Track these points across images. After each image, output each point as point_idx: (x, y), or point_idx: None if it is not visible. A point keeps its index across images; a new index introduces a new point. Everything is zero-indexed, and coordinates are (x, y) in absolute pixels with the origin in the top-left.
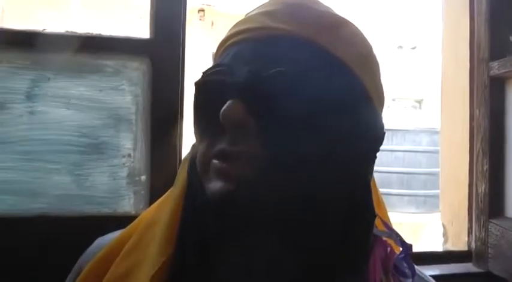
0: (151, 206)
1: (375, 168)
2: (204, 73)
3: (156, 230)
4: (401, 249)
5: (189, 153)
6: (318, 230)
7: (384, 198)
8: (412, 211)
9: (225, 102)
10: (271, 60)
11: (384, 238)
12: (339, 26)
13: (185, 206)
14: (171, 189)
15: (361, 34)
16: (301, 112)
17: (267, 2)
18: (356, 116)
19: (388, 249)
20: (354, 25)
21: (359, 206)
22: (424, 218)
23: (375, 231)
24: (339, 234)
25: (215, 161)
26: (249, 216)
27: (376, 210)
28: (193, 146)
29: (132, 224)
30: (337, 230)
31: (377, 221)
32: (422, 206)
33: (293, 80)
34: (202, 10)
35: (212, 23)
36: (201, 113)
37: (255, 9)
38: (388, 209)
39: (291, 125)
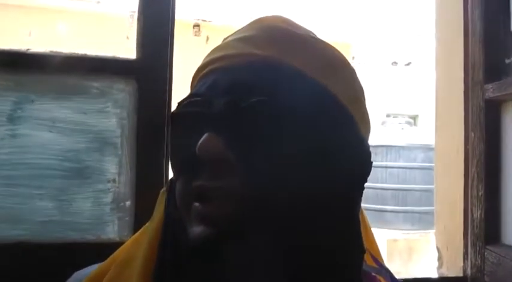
0: (127, 242)
1: (370, 184)
2: (179, 104)
3: (132, 269)
4: None
5: (166, 187)
6: (305, 267)
7: (379, 215)
8: (407, 228)
9: (202, 135)
10: (249, 89)
11: (373, 274)
12: (319, 51)
13: (163, 245)
14: (147, 224)
15: (342, 56)
16: (284, 144)
17: (243, 27)
18: (343, 147)
19: None
20: (337, 50)
21: (347, 240)
22: (419, 234)
23: (363, 266)
24: (328, 271)
25: (196, 204)
26: (233, 255)
27: (365, 244)
28: (171, 180)
29: (108, 259)
30: (326, 266)
31: (366, 256)
32: (418, 223)
33: (274, 109)
34: (198, 25)
35: (207, 38)
36: (177, 147)
37: (232, 35)
38: (383, 226)
39: (272, 158)
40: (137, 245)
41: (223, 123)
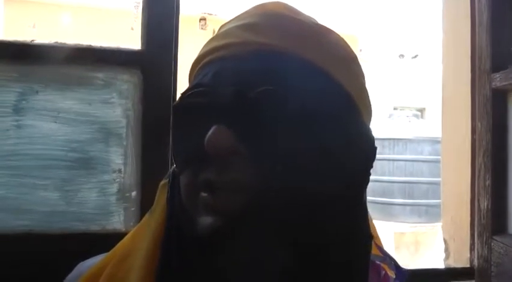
0: (127, 235)
1: (377, 177)
2: (182, 95)
3: (132, 262)
4: (395, 273)
5: (168, 178)
6: (316, 256)
7: (386, 208)
8: (414, 221)
9: (209, 127)
10: (257, 79)
11: (378, 262)
12: (324, 39)
13: (168, 238)
14: (146, 216)
15: (346, 44)
16: (294, 134)
17: (243, 14)
18: (350, 134)
19: (382, 273)
20: (338, 35)
21: (357, 227)
22: (426, 227)
23: None
24: (339, 260)
25: (203, 194)
26: (242, 247)
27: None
28: (173, 172)
29: (109, 253)
30: (336, 255)
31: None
32: (425, 216)
33: (282, 99)
34: (204, 19)
35: (214, 32)
36: (181, 139)
37: (231, 22)
38: (390, 219)
39: (283, 149)
40: (138, 238)
41: (231, 114)
